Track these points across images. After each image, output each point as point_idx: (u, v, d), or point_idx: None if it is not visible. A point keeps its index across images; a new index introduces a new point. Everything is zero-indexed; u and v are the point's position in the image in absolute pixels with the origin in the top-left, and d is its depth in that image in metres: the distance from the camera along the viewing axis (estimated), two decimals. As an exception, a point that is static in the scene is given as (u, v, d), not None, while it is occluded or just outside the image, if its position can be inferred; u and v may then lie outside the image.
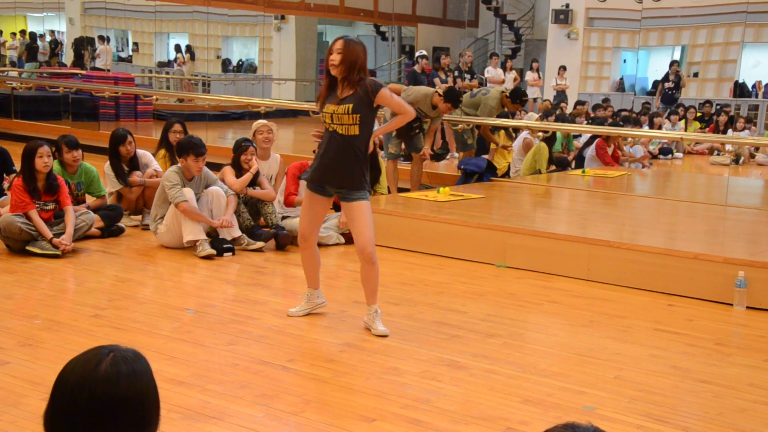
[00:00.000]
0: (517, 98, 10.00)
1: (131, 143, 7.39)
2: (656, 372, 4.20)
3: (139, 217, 7.46)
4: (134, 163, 7.44)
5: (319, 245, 6.80)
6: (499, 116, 10.50)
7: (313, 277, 4.95)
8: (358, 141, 4.57)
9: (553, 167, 10.83)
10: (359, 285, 4.94)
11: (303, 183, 7.04)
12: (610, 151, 11.31)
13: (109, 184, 7.34)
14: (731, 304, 5.45)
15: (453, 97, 8.73)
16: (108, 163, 7.38)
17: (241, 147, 6.95)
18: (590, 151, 11.37)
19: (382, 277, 4.81)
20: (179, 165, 6.58)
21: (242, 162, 6.91)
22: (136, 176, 7.39)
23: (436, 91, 8.83)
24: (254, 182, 6.93)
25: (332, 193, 4.72)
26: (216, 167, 6.97)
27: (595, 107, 15.23)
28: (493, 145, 10.59)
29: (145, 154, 7.63)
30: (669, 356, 4.47)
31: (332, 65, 4.52)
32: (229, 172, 6.92)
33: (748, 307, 5.41)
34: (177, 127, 7.88)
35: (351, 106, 4.51)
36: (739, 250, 6.22)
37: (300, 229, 4.87)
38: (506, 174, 10.40)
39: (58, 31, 25.71)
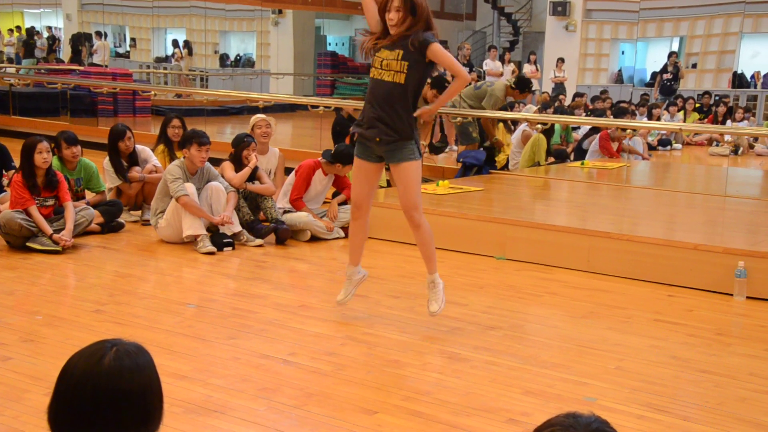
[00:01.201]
0: (524, 87, 9.75)
1: (130, 139, 7.39)
2: (657, 362, 4.21)
3: (139, 212, 7.46)
4: (133, 159, 7.44)
5: (318, 239, 6.86)
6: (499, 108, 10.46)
7: (357, 252, 4.73)
8: (403, 90, 4.35)
9: (552, 159, 10.83)
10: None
11: (311, 185, 7.02)
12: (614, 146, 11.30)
13: (109, 180, 7.34)
14: (731, 295, 5.46)
15: (439, 85, 8.64)
16: (107, 158, 7.38)
17: (243, 142, 6.94)
18: (593, 146, 11.33)
19: (381, 270, 4.81)
20: (182, 159, 6.58)
21: (243, 157, 6.91)
22: (136, 172, 7.38)
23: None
24: (253, 177, 6.93)
25: (380, 155, 4.51)
26: (215, 162, 6.97)
27: (594, 99, 15.23)
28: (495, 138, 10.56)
29: (144, 150, 7.62)
30: (669, 346, 4.48)
31: (392, 26, 4.33)
32: (228, 167, 6.92)
33: (748, 297, 5.42)
34: (176, 122, 7.87)
35: (401, 52, 4.32)
36: (739, 241, 6.22)
37: (353, 197, 4.67)
38: (505, 166, 10.40)
39: (56, 27, 25.69)
